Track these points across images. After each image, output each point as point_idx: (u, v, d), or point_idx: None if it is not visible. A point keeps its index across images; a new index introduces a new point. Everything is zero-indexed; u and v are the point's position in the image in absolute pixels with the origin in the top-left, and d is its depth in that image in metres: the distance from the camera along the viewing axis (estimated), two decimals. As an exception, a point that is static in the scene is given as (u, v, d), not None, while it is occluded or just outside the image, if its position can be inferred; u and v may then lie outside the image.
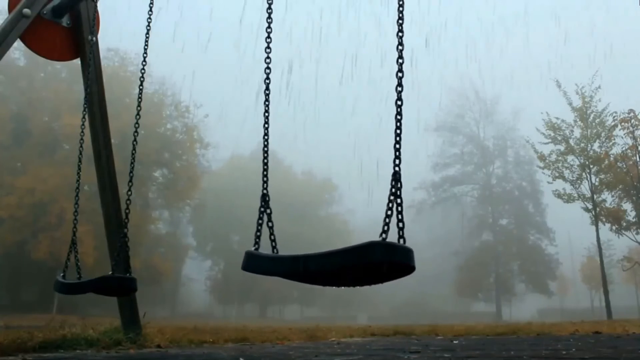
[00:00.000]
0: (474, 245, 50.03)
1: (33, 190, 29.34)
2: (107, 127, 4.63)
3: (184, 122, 38.98)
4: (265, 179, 2.30)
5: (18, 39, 4.08)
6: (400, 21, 2.06)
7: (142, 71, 3.82)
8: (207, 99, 45.06)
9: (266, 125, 2.45)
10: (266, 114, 2.46)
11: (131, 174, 3.64)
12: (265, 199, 2.23)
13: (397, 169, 1.83)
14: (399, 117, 1.94)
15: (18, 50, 27.77)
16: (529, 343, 4.77)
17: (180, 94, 39.86)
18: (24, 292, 34.22)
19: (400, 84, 1.97)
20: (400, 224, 1.76)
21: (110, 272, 3.68)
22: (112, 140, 4.68)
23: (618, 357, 3.05)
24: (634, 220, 23.81)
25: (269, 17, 2.55)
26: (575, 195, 24.36)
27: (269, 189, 2.28)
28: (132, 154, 3.64)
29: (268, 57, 2.50)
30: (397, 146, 1.88)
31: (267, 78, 2.48)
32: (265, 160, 2.38)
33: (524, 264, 48.36)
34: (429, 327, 8.99)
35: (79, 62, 4.70)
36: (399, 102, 1.95)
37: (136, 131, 3.61)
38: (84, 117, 4.16)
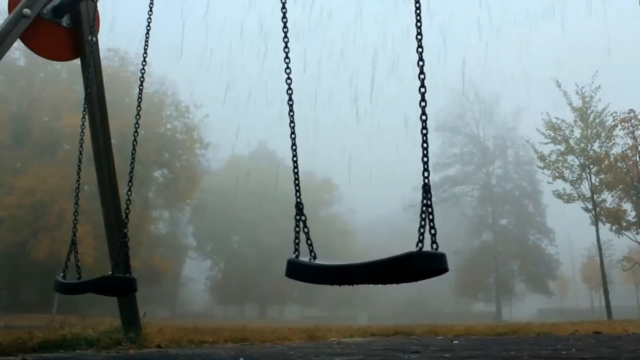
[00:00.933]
0: (474, 245, 50.01)
1: (33, 190, 29.33)
2: (107, 127, 4.63)
3: (184, 122, 39.00)
4: (297, 187, 2.40)
5: (18, 39, 4.08)
6: (418, 24, 2.10)
7: (142, 71, 3.81)
8: (207, 99, 45.09)
9: (293, 136, 2.47)
10: (292, 124, 2.48)
11: (131, 174, 3.64)
12: (299, 207, 2.30)
13: (426, 180, 1.94)
14: (424, 131, 2.03)
15: (18, 50, 27.77)
16: (529, 343, 4.76)
17: (180, 94, 39.92)
18: (24, 292, 34.22)
19: (423, 99, 2.04)
20: (433, 231, 1.86)
21: (110, 272, 3.68)
22: (112, 140, 4.68)
23: (618, 357, 3.05)
24: (634, 220, 23.81)
25: (285, 27, 2.58)
26: (575, 195, 24.36)
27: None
28: (132, 154, 3.64)
29: (288, 68, 2.53)
30: (425, 159, 1.99)
31: (289, 88, 2.52)
32: (296, 170, 2.45)
33: (524, 264, 48.36)
34: (429, 327, 9.00)
35: (79, 62, 4.69)
36: (424, 117, 2.03)
37: (136, 131, 3.61)
38: (84, 117, 4.15)
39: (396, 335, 7.09)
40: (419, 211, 1.91)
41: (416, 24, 2.09)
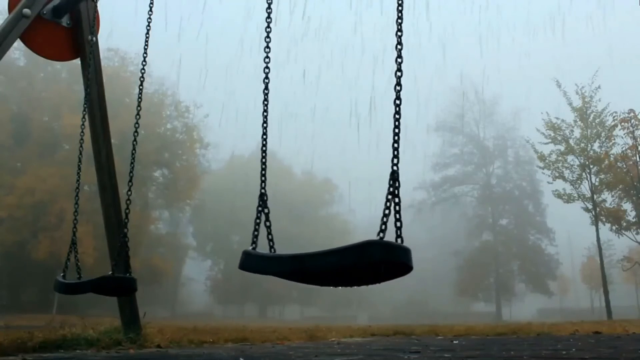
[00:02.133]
0: (474, 245, 50.00)
1: (33, 190, 29.33)
2: (107, 127, 4.63)
3: (184, 122, 39.01)
4: (263, 178, 2.30)
5: (18, 39, 4.08)
6: (399, 20, 2.07)
7: (142, 71, 3.82)
8: (207, 99, 45.11)
9: (264, 125, 2.46)
10: (265, 114, 2.47)
11: (131, 174, 3.64)
12: (263, 198, 2.23)
13: (395, 168, 1.83)
14: (397, 116, 1.93)
15: (18, 50, 27.77)
16: (529, 343, 4.77)
17: (180, 94, 39.92)
18: (24, 292, 34.23)
19: (399, 83, 1.97)
20: (398, 223, 1.75)
21: (110, 272, 3.68)
22: (112, 140, 4.68)
23: (618, 357, 3.05)
24: (634, 220, 23.80)
25: (269, 17, 2.56)
26: (575, 195, 24.35)
27: (267, 188, 2.28)
28: (132, 154, 3.64)
29: (267, 57, 2.51)
30: (396, 145, 1.87)
31: (266, 77, 2.49)
32: (264, 160, 2.39)
33: (524, 264, 48.34)
34: (429, 327, 9.00)
35: (79, 62, 4.70)
36: (398, 102, 1.95)
37: (136, 131, 3.61)
38: (84, 117, 4.16)
39: (396, 335, 7.09)
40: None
41: (397, 21, 2.06)
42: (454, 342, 5.29)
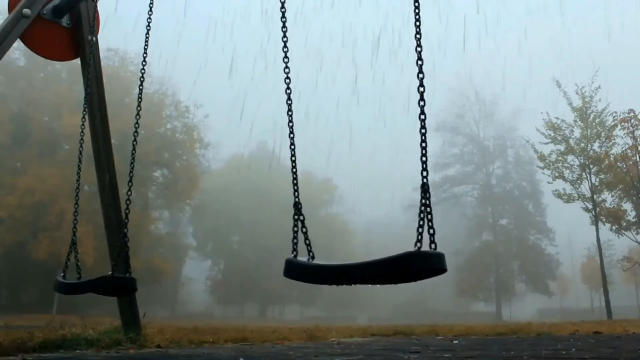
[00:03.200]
0: (474, 245, 50.03)
1: (33, 190, 29.34)
2: (107, 127, 4.63)
3: (184, 122, 39.01)
4: (295, 187, 2.38)
5: (18, 39, 4.08)
6: (417, 23, 2.10)
7: (142, 71, 3.81)
8: (207, 99, 45.10)
9: (291, 135, 2.47)
10: (290, 124, 2.49)
11: (131, 174, 3.64)
12: (297, 206, 2.30)
13: (425, 180, 1.94)
14: (423, 130, 2.00)
15: (18, 50, 27.78)
16: (529, 343, 4.76)
17: (180, 94, 39.92)
18: (24, 292, 34.21)
19: (422, 99, 2.02)
20: (432, 231, 1.87)
21: (110, 272, 3.68)
22: (112, 140, 4.68)
23: (618, 357, 3.05)
24: (634, 220, 23.80)
25: (284, 26, 2.59)
26: (575, 195, 24.35)
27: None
28: (132, 154, 3.64)
29: (287, 67, 2.53)
30: (424, 159, 1.97)
31: (288, 88, 2.51)
32: (294, 170, 2.43)
33: (524, 264, 48.36)
34: (429, 327, 9.00)
35: (79, 62, 4.69)
36: (422, 117, 2.00)
37: (136, 131, 3.60)
38: (84, 117, 4.15)
39: (396, 335, 7.09)
40: (415, 210, 1.91)
41: (415, 23, 2.10)
42: (454, 342, 5.29)
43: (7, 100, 32.25)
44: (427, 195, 1.91)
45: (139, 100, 3.74)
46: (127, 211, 3.52)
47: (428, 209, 1.88)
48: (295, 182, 2.40)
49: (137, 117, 3.64)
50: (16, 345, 3.52)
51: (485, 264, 48.59)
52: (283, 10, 2.61)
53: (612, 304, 23.07)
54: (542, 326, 8.94)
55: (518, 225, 50.63)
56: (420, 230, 1.85)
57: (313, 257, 2.17)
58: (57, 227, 28.62)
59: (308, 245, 2.23)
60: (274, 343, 5.26)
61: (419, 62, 2.04)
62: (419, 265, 1.81)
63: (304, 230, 2.26)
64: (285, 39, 2.56)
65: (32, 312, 22.35)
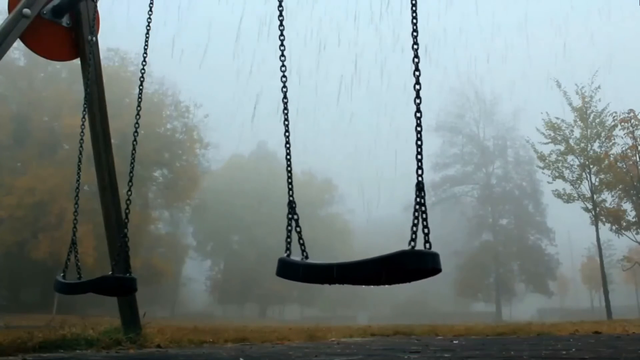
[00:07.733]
0: (474, 245, 50.00)
1: (33, 190, 29.32)
2: (107, 127, 4.63)
3: (184, 122, 39.00)
4: (290, 186, 2.37)
5: (18, 39, 4.08)
6: (414, 20, 2.11)
7: (142, 71, 3.81)
8: (207, 99, 45.10)
9: (287, 134, 2.47)
10: (286, 122, 2.48)
11: (131, 174, 3.64)
12: (292, 205, 2.28)
13: (420, 179, 1.91)
14: (419, 128, 1.99)
15: (18, 50, 27.76)
16: (529, 343, 4.77)
17: (180, 94, 39.91)
18: (24, 292, 34.21)
19: (418, 96, 2.02)
20: (426, 230, 1.86)
21: (110, 272, 3.68)
22: (112, 140, 4.69)
23: (618, 357, 3.05)
24: (634, 220, 23.79)
25: (281, 25, 2.61)
26: (575, 195, 24.35)
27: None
28: (132, 154, 3.64)
29: (283, 66, 2.54)
30: (419, 157, 1.95)
31: (284, 86, 2.52)
32: (289, 169, 2.43)
33: (524, 264, 48.34)
34: (429, 327, 9.00)
35: (79, 62, 4.69)
36: (418, 114, 2.00)
37: (136, 131, 3.61)
38: (84, 117, 4.16)
39: (396, 335, 7.09)
40: (414, 210, 1.90)
41: (412, 21, 2.11)
42: (454, 342, 5.29)
43: (7, 100, 32.25)
44: (422, 194, 1.89)
45: (139, 100, 3.74)
46: (127, 211, 3.52)
47: (423, 208, 1.87)
48: (289, 181, 2.39)
49: (137, 117, 3.65)
50: (16, 345, 3.52)
51: (485, 264, 48.58)
52: (280, 8, 2.62)
53: (612, 304, 23.07)
54: (542, 326, 8.94)
55: (518, 225, 50.61)
56: (414, 229, 1.84)
57: (307, 257, 2.16)
58: (57, 227, 28.61)
59: (302, 245, 2.22)
60: (274, 343, 5.26)
61: (416, 60, 2.04)
62: (412, 264, 1.79)
63: (297, 229, 2.25)
64: (282, 37, 2.58)
65: (32, 312, 22.32)
